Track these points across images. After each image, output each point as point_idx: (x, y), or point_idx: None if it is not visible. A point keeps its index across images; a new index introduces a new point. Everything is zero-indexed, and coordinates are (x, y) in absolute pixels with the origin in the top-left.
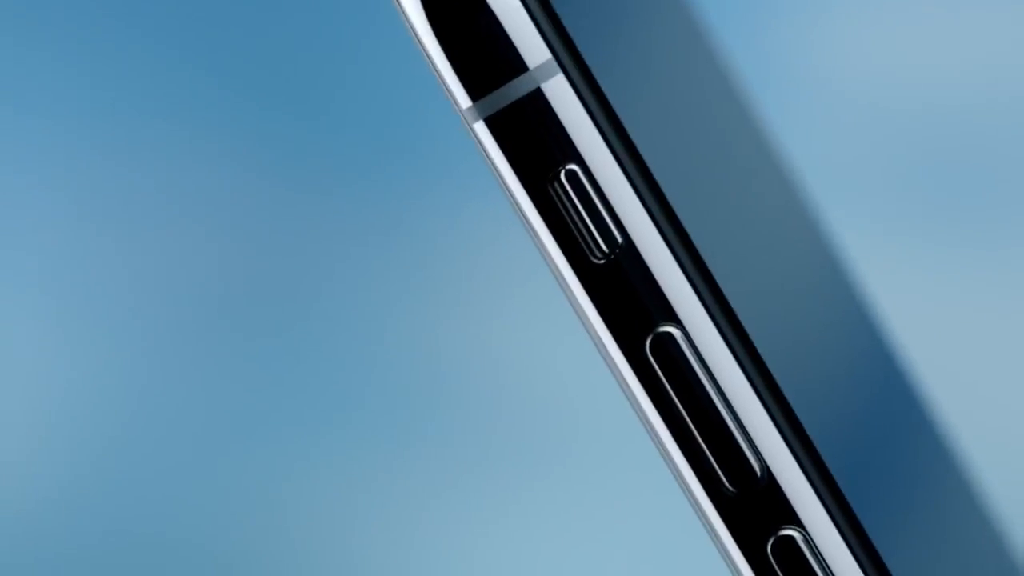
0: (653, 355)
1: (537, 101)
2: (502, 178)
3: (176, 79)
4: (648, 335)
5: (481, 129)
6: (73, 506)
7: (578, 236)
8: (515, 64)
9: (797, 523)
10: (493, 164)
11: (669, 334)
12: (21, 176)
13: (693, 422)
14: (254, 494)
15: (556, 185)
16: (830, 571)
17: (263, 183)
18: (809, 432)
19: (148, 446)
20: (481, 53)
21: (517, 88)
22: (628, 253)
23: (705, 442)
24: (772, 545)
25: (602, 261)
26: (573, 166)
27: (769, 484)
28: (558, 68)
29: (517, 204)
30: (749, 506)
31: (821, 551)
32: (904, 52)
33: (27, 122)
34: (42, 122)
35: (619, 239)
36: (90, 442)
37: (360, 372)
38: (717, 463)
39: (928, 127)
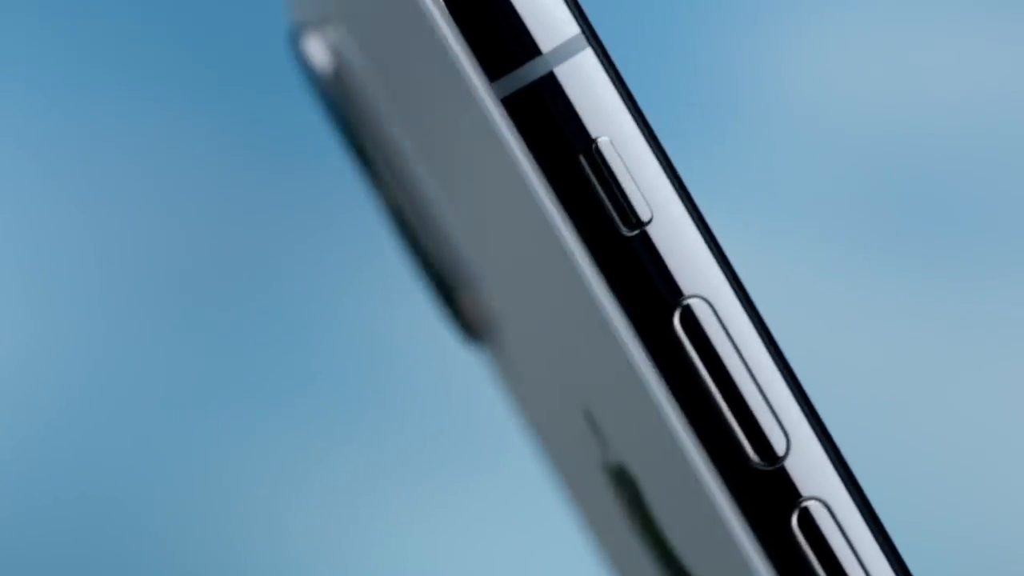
0: (681, 327)
1: (559, 80)
2: (522, 157)
3: (149, 54)
4: (677, 308)
5: (501, 110)
6: (20, 471)
7: (603, 211)
8: (537, 41)
9: (821, 496)
10: (512, 144)
11: (696, 306)
12: None
13: (722, 394)
14: (200, 466)
15: (582, 160)
16: (852, 544)
17: (230, 160)
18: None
19: (98, 412)
20: (500, 32)
21: (540, 66)
22: (655, 227)
23: (732, 414)
24: (798, 517)
25: (629, 235)
26: (599, 141)
27: (792, 457)
28: (585, 44)
29: (540, 182)
30: (772, 479)
31: (844, 524)
32: (874, 81)
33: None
34: (10, 92)
35: (646, 214)
36: (38, 411)
37: (313, 354)
38: (743, 436)
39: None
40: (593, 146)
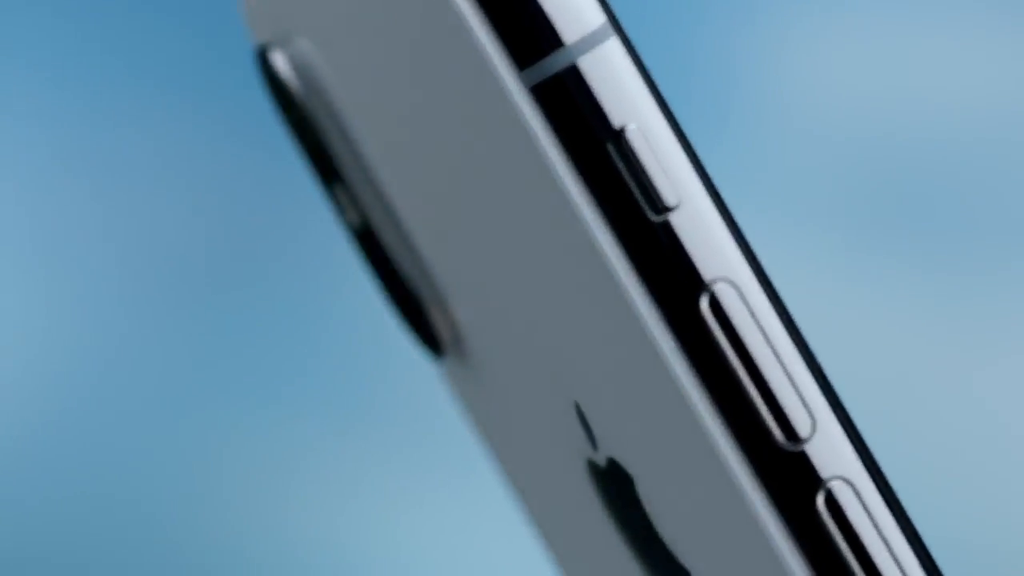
0: (709, 311)
1: (588, 68)
2: (550, 144)
3: (166, 47)
4: (703, 292)
5: (528, 98)
6: (11, 458)
7: (630, 198)
8: (566, 30)
9: (847, 476)
10: (541, 131)
11: (722, 291)
12: None
13: (749, 375)
14: (192, 456)
15: (609, 148)
16: (877, 524)
17: (238, 158)
18: None
19: (95, 404)
20: (528, 20)
21: (569, 54)
22: (681, 213)
23: (759, 396)
24: (824, 497)
25: (656, 221)
26: (627, 128)
27: (818, 438)
28: (612, 33)
29: (567, 170)
30: (798, 460)
31: (868, 504)
32: (866, 81)
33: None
34: (27, 83)
35: (672, 200)
36: (38, 403)
37: (307, 352)
38: (769, 416)
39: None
40: (621, 134)
